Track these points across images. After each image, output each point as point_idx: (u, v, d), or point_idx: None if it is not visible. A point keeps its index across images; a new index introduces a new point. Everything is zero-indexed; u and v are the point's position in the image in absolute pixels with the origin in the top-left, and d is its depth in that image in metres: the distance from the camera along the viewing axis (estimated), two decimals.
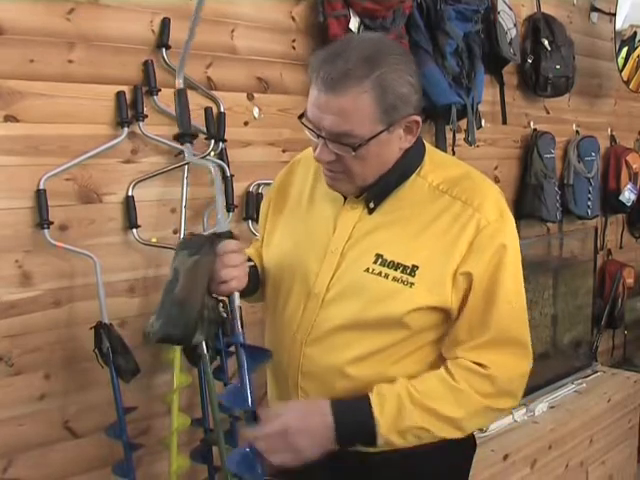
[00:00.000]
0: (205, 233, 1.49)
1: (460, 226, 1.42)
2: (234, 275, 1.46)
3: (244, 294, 1.54)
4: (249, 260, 1.57)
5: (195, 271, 1.42)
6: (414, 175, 1.49)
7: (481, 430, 2.74)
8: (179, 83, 1.57)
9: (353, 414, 1.41)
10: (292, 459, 1.40)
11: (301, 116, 1.43)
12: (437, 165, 1.51)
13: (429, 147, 1.55)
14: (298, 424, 1.39)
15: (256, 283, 1.62)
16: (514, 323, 1.47)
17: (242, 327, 1.48)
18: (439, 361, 1.49)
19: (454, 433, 1.45)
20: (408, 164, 1.48)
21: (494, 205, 1.46)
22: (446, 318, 1.46)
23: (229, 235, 1.48)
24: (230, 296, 1.48)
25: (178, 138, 1.56)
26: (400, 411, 1.40)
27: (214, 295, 1.49)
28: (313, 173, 1.62)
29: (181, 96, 1.57)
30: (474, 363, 1.43)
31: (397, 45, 1.51)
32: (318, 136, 1.39)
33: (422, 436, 1.43)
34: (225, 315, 1.53)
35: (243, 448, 1.43)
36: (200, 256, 1.43)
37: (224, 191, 2.39)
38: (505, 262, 1.43)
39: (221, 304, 1.52)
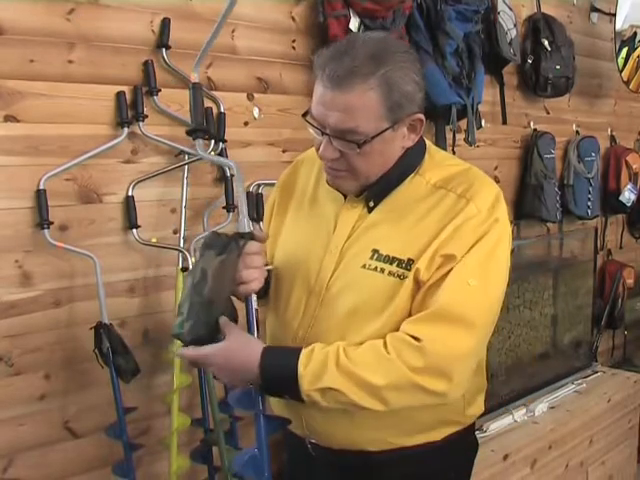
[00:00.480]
0: (229, 233, 1.47)
1: (452, 215, 1.42)
2: (255, 277, 1.47)
3: (257, 296, 1.55)
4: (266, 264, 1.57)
5: (223, 271, 1.41)
6: (413, 174, 1.49)
7: (480, 429, 2.74)
8: (194, 77, 1.57)
9: (279, 365, 1.40)
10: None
11: (305, 114, 1.44)
12: (437, 164, 1.52)
13: (430, 145, 1.56)
14: (222, 361, 1.42)
15: (267, 287, 1.62)
16: (464, 300, 1.39)
17: (258, 329, 1.49)
18: None
19: (374, 403, 1.38)
20: (408, 163, 1.49)
21: (487, 195, 1.45)
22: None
23: (251, 236, 1.47)
24: (248, 298, 1.49)
25: (190, 133, 1.56)
26: (322, 369, 1.37)
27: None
28: (316, 173, 1.62)
29: (196, 90, 1.56)
30: (409, 336, 1.38)
31: (402, 44, 1.52)
32: (323, 133, 1.39)
33: (341, 400, 1.38)
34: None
35: (252, 449, 1.43)
36: (227, 255, 1.42)
37: (225, 191, 2.39)
38: (477, 243, 1.40)
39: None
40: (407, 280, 1.42)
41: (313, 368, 1.37)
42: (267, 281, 1.57)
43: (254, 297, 1.49)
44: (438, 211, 1.44)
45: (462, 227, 1.40)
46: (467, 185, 1.45)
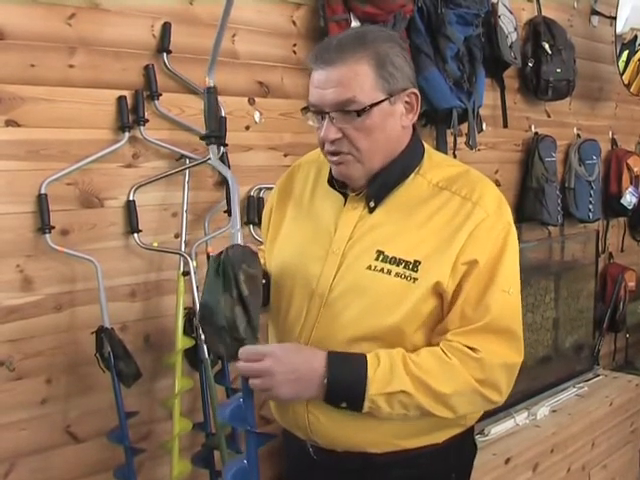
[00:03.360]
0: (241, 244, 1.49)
1: (460, 219, 1.44)
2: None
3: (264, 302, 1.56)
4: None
5: (258, 285, 1.45)
6: (413, 174, 1.50)
7: (482, 433, 2.74)
8: (209, 81, 1.56)
9: (348, 368, 1.39)
10: (269, 395, 1.40)
11: (304, 108, 1.47)
12: (436, 164, 1.53)
13: (428, 147, 1.57)
14: (286, 368, 1.38)
15: (267, 296, 1.62)
16: (508, 312, 1.46)
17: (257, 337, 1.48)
18: None
19: (442, 410, 1.42)
20: (408, 162, 1.50)
21: (492, 198, 1.48)
22: (441, 304, 1.46)
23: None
24: None
25: (204, 139, 1.56)
26: (392, 373, 1.38)
27: None
28: (313, 177, 1.62)
29: (210, 95, 1.56)
30: (466, 346, 1.41)
31: (385, 29, 1.59)
32: (322, 116, 1.42)
33: (409, 405, 1.39)
34: None
35: (241, 460, 1.43)
36: (258, 270, 1.45)
37: (226, 195, 2.39)
38: (504, 252, 1.45)
39: None
40: (418, 283, 1.42)
41: (382, 371, 1.38)
42: (266, 292, 1.58)
43: None
44: (444, 214, 1.45)
45: (475, 232, 1.42)
46: (470, 187, 1.47)
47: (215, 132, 1.56)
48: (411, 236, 1.45)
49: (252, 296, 1.42)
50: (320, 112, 1.43)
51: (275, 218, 1.66)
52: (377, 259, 1.45)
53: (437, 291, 1.43)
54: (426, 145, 1.57)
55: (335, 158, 1.46)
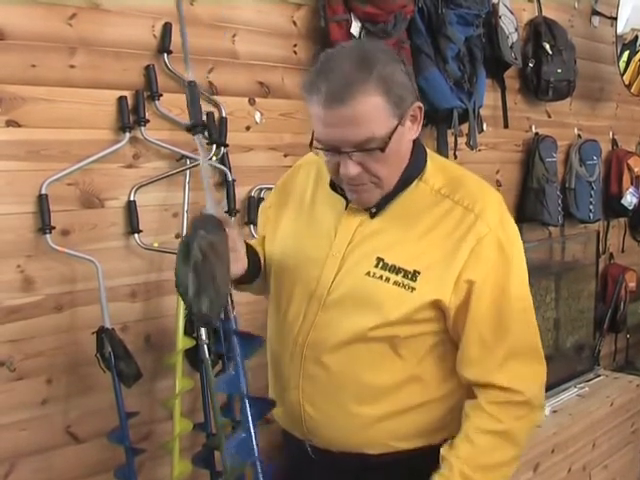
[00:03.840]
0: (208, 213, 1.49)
1: (462, 232, 1.43)
2: (239, 258, 1.48)
3: (243, 281, 1.56)
4: (250, 249, 1.57)
5: (220, 251, 1.42)
6: (416, 180, 1.49)
7: None
8: (189, 75, 1.58)
9: None
10: None
11: (311, 144, 1.42)
12: (438, 169, 1.52)
13: (429, 152, 1.56)
14: None
15: (255, 271, 1.61)
16: (528, 329, 1.49)
17: (233, 310, 1.49)
18: (437, 363, 1.50)
19: (517, 462, 1.51)
20: (411, 170, 1.48)
21: (495, 211, 1.46)
22: (442, 317, 1.46)
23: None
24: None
25: (190, 129, 1.57)
26: None
27: None
28: (314, 177, 1.62)
29: (191, 88, 1.57)
30: (507, 390, 1.45)
31: (377, 42, 1.54)
32: (339, 153, 1.38)
33: None
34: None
35: (240, 434, 1.44)
36: (220, 236, 1.43)
37: (226, 195, 2.39)
38: (510, 268, 1.44)
39: None
40: (415, 293, 1.42)
41: None
42: (253, 266, 1.58)
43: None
44: (446, 224, 1.44)
45: (477, 248, 1.41)
46: (472, 198, 1.46)
47: (199, 122, 1.57)
48: (412, 245, 1.45)
49: (206, 263, 1.40)
50: (335, 150, 1.38)
51: (275, 216, 1.66)
52: (376, 266, 1.45)
53: (437, 306, 1.44)
54: (427, 149, 1.56)
55: (355, 188, 1.45)
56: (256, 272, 1.62)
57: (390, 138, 1.36)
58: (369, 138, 1.34)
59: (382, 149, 1.36)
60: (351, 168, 1.38)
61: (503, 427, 1.45)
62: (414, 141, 1.49)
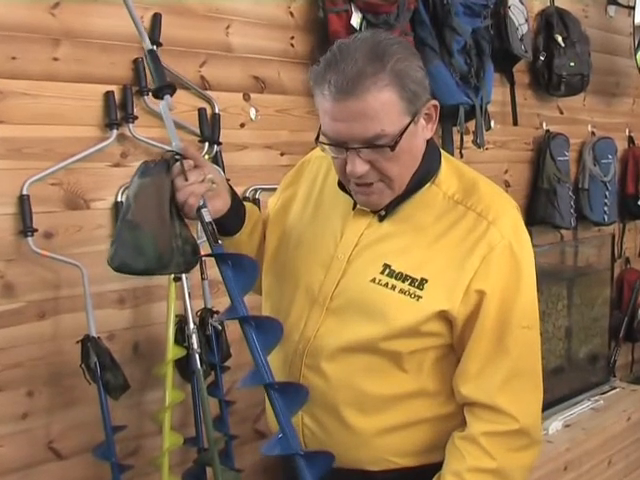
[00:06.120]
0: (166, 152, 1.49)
1: (474, 239, 1.42)
2: (190, 191, 1.42)
3: (231, 227, 1.56)
4: (236, 197, 1.55)
5: (145, 193, 1.42)
6: (429, 183, 1.49)
7: None
8: (147, 44, 1.57)
9: None
10: None
11: (317, 138, 1.42)
12: (453, 173, 1.52)
13: (444, 154, 1.56)
14: None
15: (238, 221, 1.58)
16: (529, 350, 1.48)
17: (217, 242, 1.46)
18: (443, 378, 1.50)
19: None
20: (424, 172, 1.48)
21: (509, 220, 1.46)
22: (449, 330, 1.46)
23: (178, 154, 1.44)
24: (199, 214, 1.46)
25: (156, 93, 1.55)
26: None
27: (186, 222, 1.48)
28: (322, 176, 1.62)
29: (152, 54, 1.57)
30: (504, 415, 1.44)
31: (391, 35, 1.52)
32: (346, 150, 1.37)
33: None
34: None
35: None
36: (150, 178, 1.42)
37: None
38: (520, 283, 1.44)
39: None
40: (422, 302, 1.42)
41: None
42: (238, 207, 1.56)
43: (204, 211, 1.46)
44: (457, 231, 1.44)
45: (489, 257, 1.41)
46: (486, 204, 1.46)
47: (164, 82, 1.55)
48: (421, 252, 1.45)
49: (138, 203, 1.41)
50: (342, 146, 1.38)
51: (281, 210, 1.66)
52: (383, 273, 1.45)
53: (443, 317, 1.44)
54: (442, 151, 1.56)
55: (362, 189, 1.44)
56: (239, 222, 1.59)
57: (401, 136, 1.35)
58: (378, 134, 1.34)
59: (392, 147, 1.35)
60: (358, 165, 1.38)
61: (495, 464, 1.44)
62: (428, 141, 1.48)
